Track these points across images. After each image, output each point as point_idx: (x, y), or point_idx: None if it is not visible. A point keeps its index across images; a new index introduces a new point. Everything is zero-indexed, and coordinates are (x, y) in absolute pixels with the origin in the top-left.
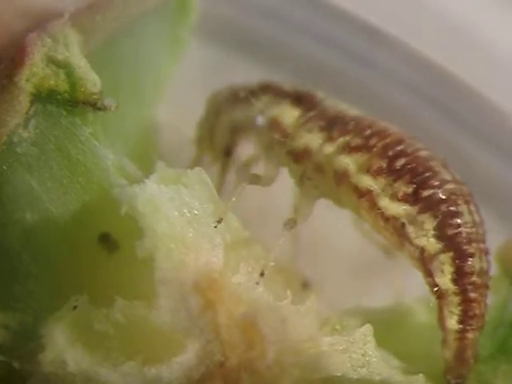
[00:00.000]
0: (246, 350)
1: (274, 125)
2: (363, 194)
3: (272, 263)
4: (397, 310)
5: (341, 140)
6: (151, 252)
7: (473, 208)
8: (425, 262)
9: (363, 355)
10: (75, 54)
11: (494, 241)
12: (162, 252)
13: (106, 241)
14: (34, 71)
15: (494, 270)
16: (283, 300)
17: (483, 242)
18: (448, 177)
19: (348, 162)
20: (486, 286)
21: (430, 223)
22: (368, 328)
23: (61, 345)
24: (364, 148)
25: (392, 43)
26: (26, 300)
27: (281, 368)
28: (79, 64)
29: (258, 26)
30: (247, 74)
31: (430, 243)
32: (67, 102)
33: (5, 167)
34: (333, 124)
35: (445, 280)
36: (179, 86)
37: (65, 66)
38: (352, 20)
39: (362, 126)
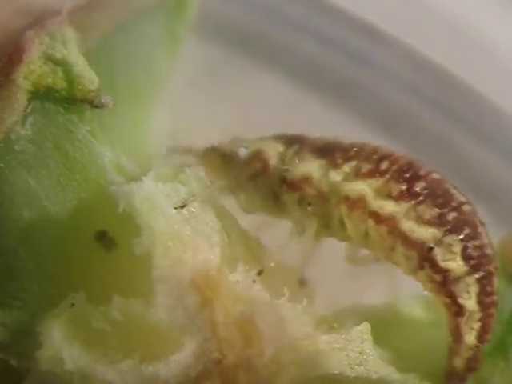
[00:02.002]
0: (244, 348)
1: (257, 157)
2: (383, 219)
3: (270, 261)
4: (394, 307)
5: (347, 166)
6: (148, 250)
7: (483, 227)
8: (448, 284)
9: (360, 353)
10: (73, 52)
11: (492, 238)
12: (159, 250)
13: (103, 238)
14: (32, 69)
15: None
16: (280, 298)
17: (496, 260)
18: (463, 198)
19: (364, 187)
20: (498, 302)
21: (457, 246)
22: (365, 326)
23: (58, 342)
24: (377, 173)
25: (391, 42)
26: (23, 297)
27: (278, 366)
28: (77, 62)
29: (257, 24)
30: (245, 73)
31: (458, 266)
32: (65, 99)
33: (2, 164)
34: (329, 151)
35: (470, 301)
36: (176, 85)
37: (62, 64)
38: (352, 19)
39: (367, 151)
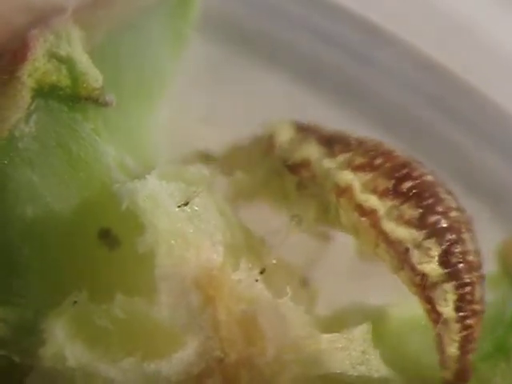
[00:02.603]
0: (246, 347)
1: (268, 137)
2: (366, 213)
3: (272, 260)
4: (395, 308)
5: (342, 157)
6: (152, 248)
7: (473, 236)
8: (426, 289)
9: (362, 353)
10: (77, 50)
11: (494, 239)
12: (162, 248)
13: (107, 236)
14: (36, 66)
15: (493, 267)
16: (283, 297)
17: (481, 269)
18: (453, 204)
19: (352, 178)
20: (483, 311)
21: (435, 250)
22: (367, 326)
23: (61, 340)
24: (369, 167)
25: (393, 41)
26: (26, 295)
27: (280, 365)
28: (81, 60)
29: (258, 23)
30: (246, 71)
31: (434, 270)
32: (69, 97)
33: (6, 162)
34: (333, 141)
35: (447, 309)
36: (180, 83)
37: (67, 62)
38: (353, 18)
39: (367, 146)
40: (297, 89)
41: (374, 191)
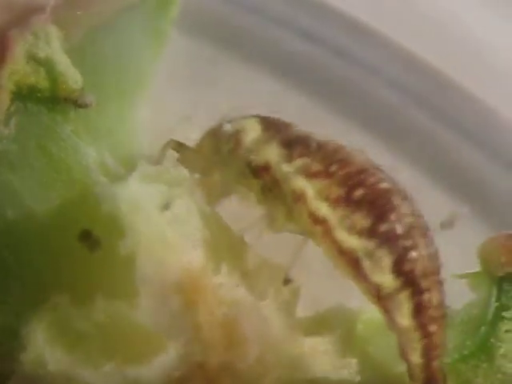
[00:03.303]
0: (227, 350)
1: (235, 135)
2: (319, 221)
3: (254, 260)
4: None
5: (300, 161)
6: (132, 251)
7: (429, 241)
8: (381, 299)
9: (344, 356)
10: (56, 51)
11: (476, 237)
12: (143, 251)
13: (88, 239)
14: (15, 68)
15: (476, 267)
16: (265, 299)
17: (439, 273)
18: (407, 210)
19: (306, 185)
20: (444, 316)
21: (387, 259)
22: (349, 329)
23: (41, 344)
24: (323, 174)
25: (379, 40)
26: (6, 299)
27: (262, 368)
28: (60, 61)
29: (244, 20)
30: (230, 69)
31: (388, 280)
32: (48, 99)
33: None
34: (293, 144)
35: (404, 317)
36: (162, 82)
37: (46, 63)
38: (340, 17)
39: (326, 151)
40: (282, 88)
41: (327, 199)
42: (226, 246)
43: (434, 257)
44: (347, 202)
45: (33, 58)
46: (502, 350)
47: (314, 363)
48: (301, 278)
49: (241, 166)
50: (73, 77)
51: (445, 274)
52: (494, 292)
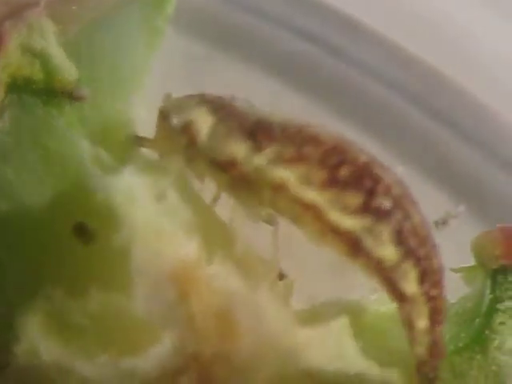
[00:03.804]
0: (222, 342)
1: (187, 128)
2: (308, 206)
3: (247, 252)
4: (373, 302)
5: (270, 150)
6: (127, 242)
7: (417, 206)
8: (384, 271)
9: (340, 347)
10: (51, 44)
11: (471, 232)
12: (137, 242)
13: (82, 231)
14: (10, 60)
15: (470, 261)
16: (259, 291)
17: (432, 237)
18: (391, 179)
19: (285, 174)
20: (443, 279)
21: (386, 232)
22: (344, 320)
23: (35, 336)
24: (299, 158)
25: (376, 40)
26: (0, 291)
27: (257, 360)
28: (55, 53)
29: (241, 20)
30: (229, 69)
31: (390, 252)
32: (43, 91)
33: None
34: (256, 131)
35: (411, 285)
36: (157, 79)
37: (40, 56)
38: (335, 15)
39: (290, 132)
40: (279, 87)
41: (311, 183)
42: (220, 237)
43: (425, 222)
44: (333, 183)
45: (28, 51)
46: (496, 342)
47: (309, 355)
48: (297, 274)
49: (203, 161)
50: (68, 69)
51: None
52: (489, 285)
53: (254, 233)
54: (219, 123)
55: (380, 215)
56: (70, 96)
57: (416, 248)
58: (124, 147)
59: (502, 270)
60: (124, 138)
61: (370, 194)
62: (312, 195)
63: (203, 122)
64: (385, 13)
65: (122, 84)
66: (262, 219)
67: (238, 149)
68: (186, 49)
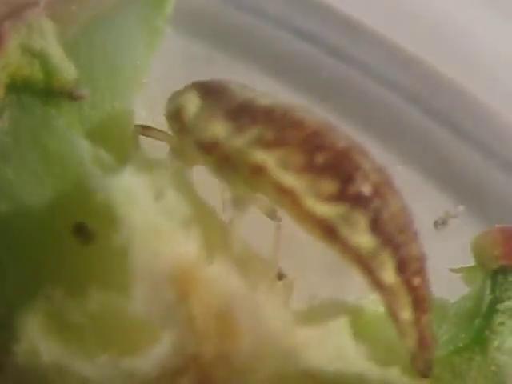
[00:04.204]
0: (221, 342)
1: (177, 113)
2: (285, 191)
3: (246, 251)
4: (372, 302)
5: (251, 132)
6: (126, 242)
7: (396, 194)
8: (362, 260)
9: (339, 348)
10: (51, 44)
11: (470, 233)
12: (137, 242)
13: (81, 231)
14: (9, 60)
15: (470, 261)
16: (259, 291)
17: (412, 225)
18: (369, 166)
19: (264, 157)
20: (424, 267)
21: (362, 221)
22: (344, 320)
23: (35, 336)
24: (279, 142)
25: (375, 39)
26: (0, 291)
27: (257, 360)
28: (55, 53)
29: (240, 20)
30: (228, 69)
31: (366, 240)
32: (42, 91)
33: None
34: (240, 113)
35: (389, 275)
36: (159, 82)
37: (40, 56)
38: (333, 15)
39: (274, 116)
40: (278, 87)
41: (290, 167)
42: (219, 237)
43: (404, 209)
44: (310, 168)
45: (27, 51)
46: (495, 343)
47: (309, 355)
48: (296, 273)
49: (191, 144)
50: (67, 69)
51: (441, 271)
52: (488, 285)
53: (253, 232)
54: (205, 106)
55: (356, 203)
56: (70, 96)
57: (394, 236)
58: (124, 147)
59: (502, 271)
60: (124, 136)
61: (347, 180)
62: (289, 180)
63: (192, 105)
64: (385, 13)
65: (122, 84)
66: (263, 212)
67: (220, 129)
68: (185, 49)
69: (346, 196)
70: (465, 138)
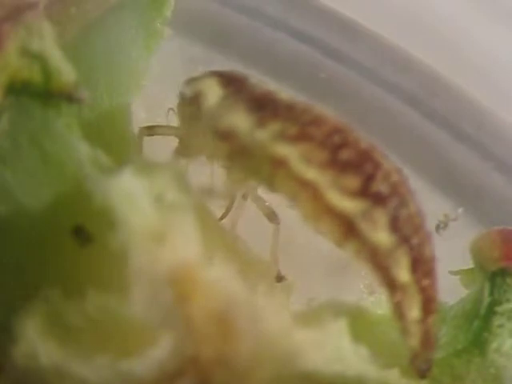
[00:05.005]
0: (220, 344)
1: (195, 98)
2: (306, 185)
3: (246, 254)
4: (372, 304)
5: (273, 126)
6: (125, 244)
7: (414, 196)
8: (378, 257)
9: (338, 350)
10: (50, 46)
11: (470, 235)
12: (135, 245)
13: (80, 233)
14: (8, 63)
15: (468, 263)
16: (258, 293)
17: (426, 227)
18: (390, 167)
19: (288, 150)
20: (435, 269)
21: (383, 218)
22: (343, 322)
23: (32, 338)
24: (302, 137)
25: (373, 41)
26: None
27: (256, 362)
28: (54, 55)
29: (238, 21)
30: (225, 68)
31: (385, 238)
32: (41, 93)
33: None
34: (261, 106)
35: (403, 272)
36: (157, 83)
37: (39, 58)
38: (331, 16)
39: (296, 111)
40: (275, 87)
41: (312, 162)
42: (219, 240)
43: (420, 211)
44: (334, 163)
45: (26, 53)
46: (494, 345)
47: (308, 357)
48: (295, 275)
49: (205, 129)
50: (66, 71)
51: (440, 273)
52: (487, 287)
53: (252, 234)
54: (227, 95)
55: (377, 200)
56: (69, 98)
57: (410, 236)
58: (123, 149)
59: (501, 273)
60: (123, 138)
61: (370, 178)
62: (312, 174)
63: (213, 93)
64: (383, 14)
65: (121, 86)
66: (264, 213)
67: (241, 121)
68: (184, 50)
69: (368, 193)
70: (464, 141)
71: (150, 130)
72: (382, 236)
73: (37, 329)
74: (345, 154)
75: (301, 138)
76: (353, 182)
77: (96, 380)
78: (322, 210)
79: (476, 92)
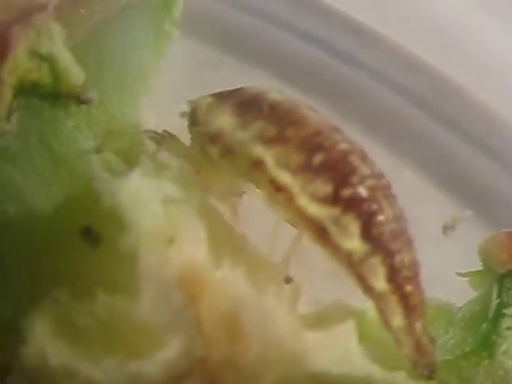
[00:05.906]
0: (229, 346)
1: (191, 112)
2: (280, 189)
3: (255, 256)
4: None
5: (254, 126)
6: (134, 246)
7: (392, 201)
8: (353, 265)
9: (346, 351)
10: (59, 47)
11: (478, 237)
12: (144, 246)
13: (89, 234)
14: (17, 64)
15: (477, 265)
16: (266, 295)
17: (406, 232)
18: (367, 171)
19: (264, 153)
20: (417, 274)
21: (354, 225)
22: (351, 323)
23: (42, 338)
24: (280, 139)
25: (380, 42)
26: (7, 293)
27: (264, 364)
28: (63, 57)
29: (246, 23)
30: (234, 71)
31: (357, 246)
32: (50, 94)
33: None
34: (246, 107)
35: (379, 282)
36: (165, 85)
37: (48, 59)
38: (339, 18)
39: (278, 113)
40: (284, 89)
41: (287, 166)
42: (227, 241)
43: (399, 217)
44: (307, 167)
45: (35, 54)
46: (503, 347)
47: (316, 358)
48: (303, 278)
49: (201, 135)
50: (75, 73)
51: (448, 275)
52: (495, 289)
53: (261, 236)
54: (215, 99)
55: (348, 206)
56: (78, 99)
57: (386, 243)
58: (131, 150)
59: (509, 275)
60: (132, 139)
61: (342, 183)
62: (286, 177)
63: (204, 101)
64: (391, 16)
65: (130, 87)
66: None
67: (226, 122)
68: (193, 52)
69: (339, 199)
70: (472, 142)
71: (158, 137)
72: (353, 243)
73: (46, 329)
74: (318, 159)
75: (278, 140)
76: (324, 187)
77: (105, 381)
78: (295, 215)
79: (485, 94)
